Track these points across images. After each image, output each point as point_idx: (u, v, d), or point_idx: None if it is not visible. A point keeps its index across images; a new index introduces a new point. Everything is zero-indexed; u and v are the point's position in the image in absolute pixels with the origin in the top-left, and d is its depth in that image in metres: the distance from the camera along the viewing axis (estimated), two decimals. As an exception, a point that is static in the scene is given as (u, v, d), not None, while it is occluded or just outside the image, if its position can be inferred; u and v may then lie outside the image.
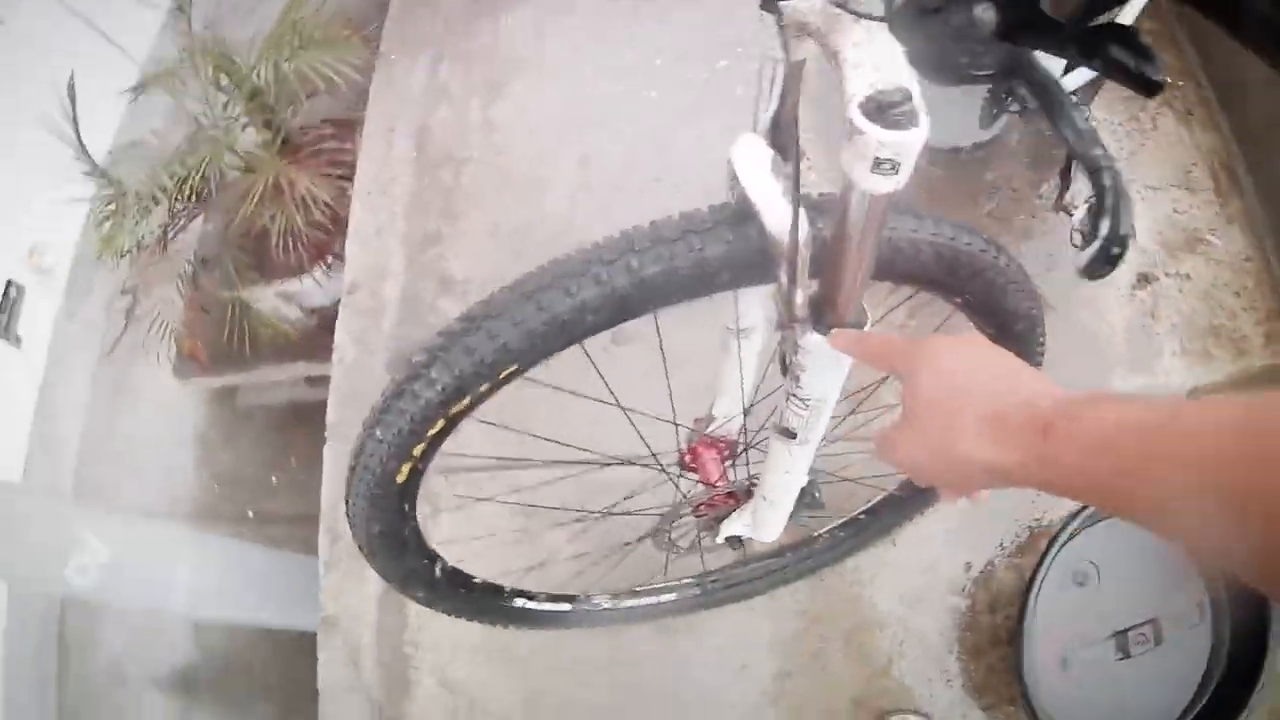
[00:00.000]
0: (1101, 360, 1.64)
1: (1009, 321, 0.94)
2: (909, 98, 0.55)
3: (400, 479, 0.87)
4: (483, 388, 0.80)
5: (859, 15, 0.58)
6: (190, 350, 2.26)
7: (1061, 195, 0.60)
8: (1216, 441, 0.40)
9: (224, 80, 1.94)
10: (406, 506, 0.93)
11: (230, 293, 2.12)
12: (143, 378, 2.26)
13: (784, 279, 0.73)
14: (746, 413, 1.09)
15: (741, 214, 0.74)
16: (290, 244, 1.96)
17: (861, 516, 1.43)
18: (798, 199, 0.68)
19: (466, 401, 0.80)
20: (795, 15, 0.63)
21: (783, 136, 0.75)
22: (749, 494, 1.13)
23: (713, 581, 1.46)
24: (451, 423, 0.83)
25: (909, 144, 0.55)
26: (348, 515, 0.94)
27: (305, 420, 1.99)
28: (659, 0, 2.02)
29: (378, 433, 0.83)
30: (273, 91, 1.92)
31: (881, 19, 0.57)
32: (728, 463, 1.14)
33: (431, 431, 0.82)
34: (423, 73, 1.95)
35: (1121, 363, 1.64)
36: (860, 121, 0.55)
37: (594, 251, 0.76)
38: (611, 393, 1.01)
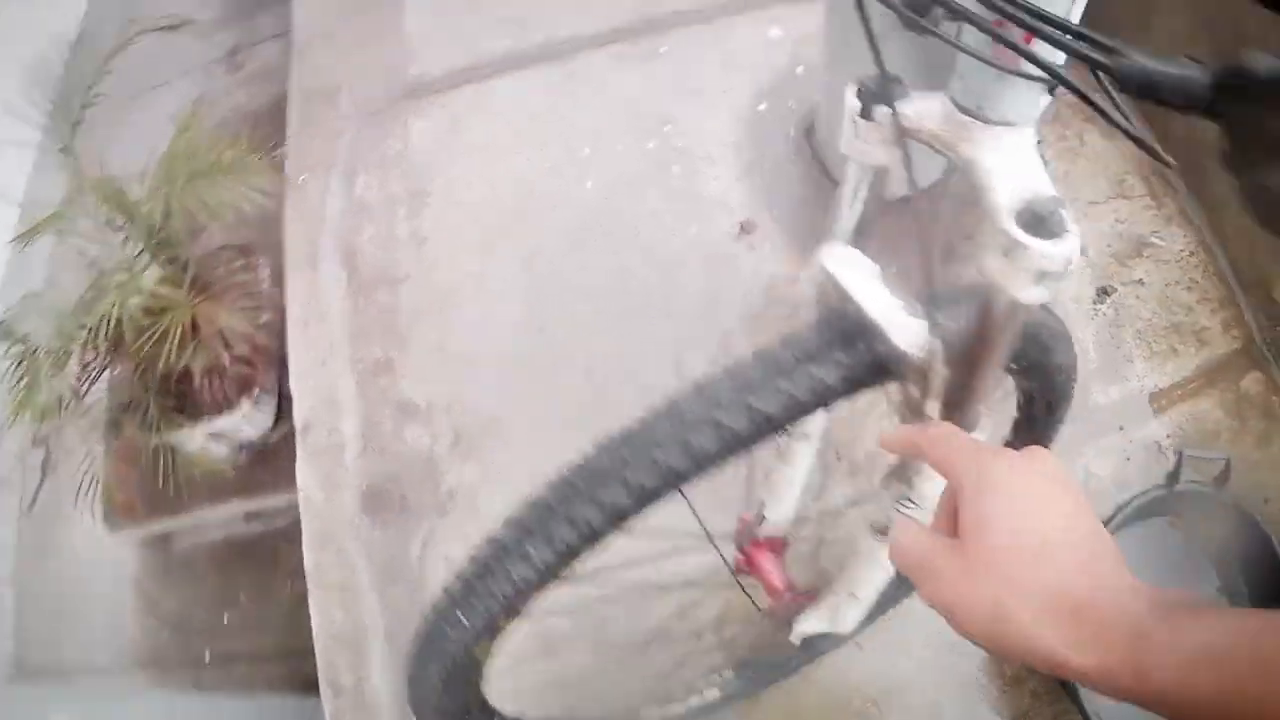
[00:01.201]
0: (1079, 377, 1.61)
1: (1052, 375, 0.92)
2: (1061, 205, 0.54)
3: (480, 654, 0.85)
4: (585, 552, 0.77)
5: (994, 123, 0.57)
6: (123, 503, 2.13)
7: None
8: None
9: (119, 218, 1.83)
10: (479, 677, 0.92)
11: (156, 437, 2.00)
12: (70, 532, 2.11)
13: (912, 391, 0.71)
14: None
15: (852, 330, 0.71)
16: (214, 381, 1.86)
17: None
18: (934, 314, 0.65)
19: (567, 569, 0.78)
20: (911, 123, 0.62)
21: (866, 242, 0.75)
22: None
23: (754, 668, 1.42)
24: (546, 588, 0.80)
25: (1069, 254, 0.53)
26: (414, 701, 0.89)
27: (250, 556, 1.91)
28: (571, 86, 1.97)
29: (461, 617, 0.79)
30: (174, 226, 1.81)
31: (1012, 124, 0.57)
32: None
33: (525, 604, 0.80)
34: (337, 191, 1.86)
35: (1097, 376, 1.65)
36: (1020, 235, 0.53)
37: (708, 398, 0.73)
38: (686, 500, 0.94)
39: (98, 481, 1.99)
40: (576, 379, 1.64)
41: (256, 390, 2.04)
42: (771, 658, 1.41)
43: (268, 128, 2.38)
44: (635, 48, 2.00)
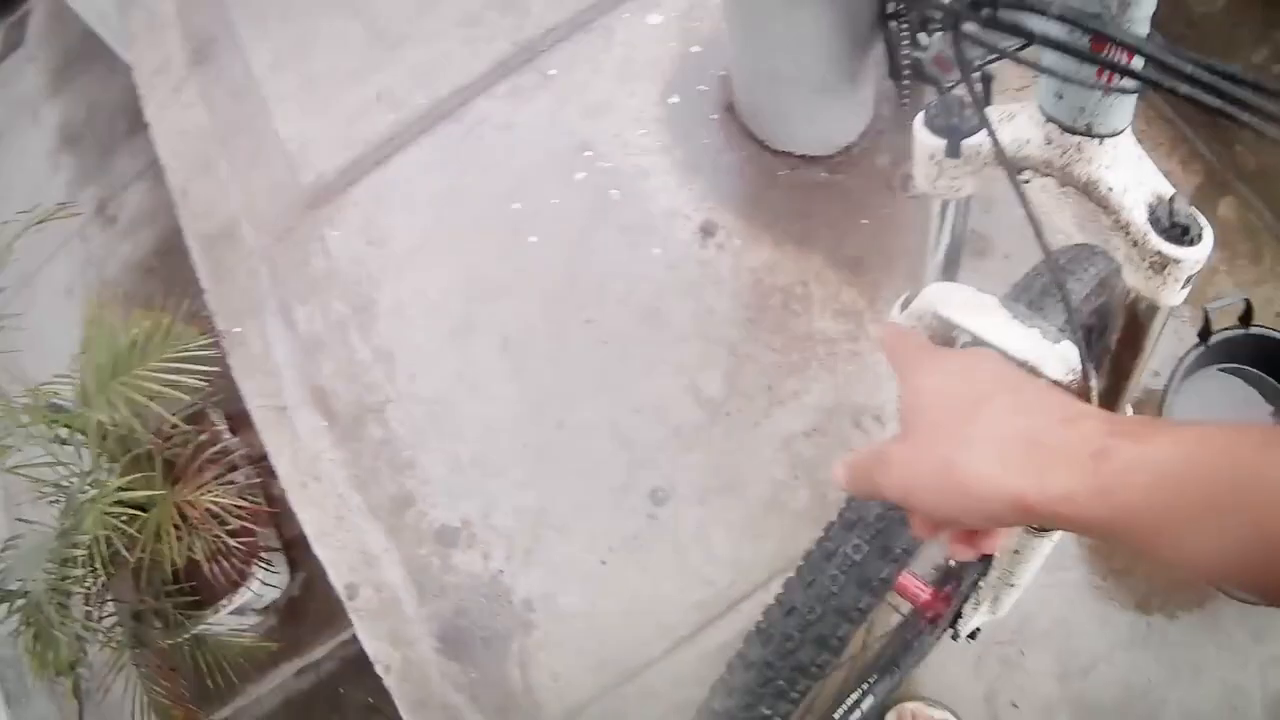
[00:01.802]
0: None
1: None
2: (1188, 203, 0.54)
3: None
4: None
5: (1104, 136, 0.54)
6: (180, 715, 2.05)
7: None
8: None
9: (63, 434, 1.72)
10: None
11: (179, 637, 1.91)
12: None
13: None
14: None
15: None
16: (220, 562, 1.77)
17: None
18: (1079, 332, 0.61)
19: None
20: (1012, 152, 0.58)
21: (958, 273, 0.73)
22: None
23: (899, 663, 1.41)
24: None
25: (1207, 255, 0.54)
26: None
27: (314, 709, 1.89)
28: (474, 141, 1.86)
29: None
30: (122, 422, 1.69)
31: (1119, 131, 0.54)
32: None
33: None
34: (279, 334, 1.73)
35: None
36: (1172, 250, 0.53)
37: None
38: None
39: (147, 704, 1.91)
40: (603, 443, 1.57)
41: (264, 554, 1.97)
42: (912, 649, 1.39)
43: (166, 271, 2.26)
44: (523, 79, 1.90)
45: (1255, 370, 1.49)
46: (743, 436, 1.58)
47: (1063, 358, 0.62)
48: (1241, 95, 0.44)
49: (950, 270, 0.73)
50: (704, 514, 1.54)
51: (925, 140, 0.60)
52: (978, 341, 0.66)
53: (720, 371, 1.61)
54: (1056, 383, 0.64)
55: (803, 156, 1.73)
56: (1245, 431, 0.36)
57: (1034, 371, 0.64)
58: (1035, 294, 0.98)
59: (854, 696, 1.37)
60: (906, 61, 1.52)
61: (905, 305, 0.76)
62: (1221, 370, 1.51)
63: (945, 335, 0.69)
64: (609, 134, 1.80)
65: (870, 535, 0.80)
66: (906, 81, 1.58)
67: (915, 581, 1.11)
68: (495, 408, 1.62)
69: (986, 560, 1.04)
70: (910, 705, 1.41)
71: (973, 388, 0.46)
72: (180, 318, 1.73)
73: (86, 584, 1.77)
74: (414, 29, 1.98)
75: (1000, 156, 0.56)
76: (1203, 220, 0.53)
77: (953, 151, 0.59)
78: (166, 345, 1.70)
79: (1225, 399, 1.50)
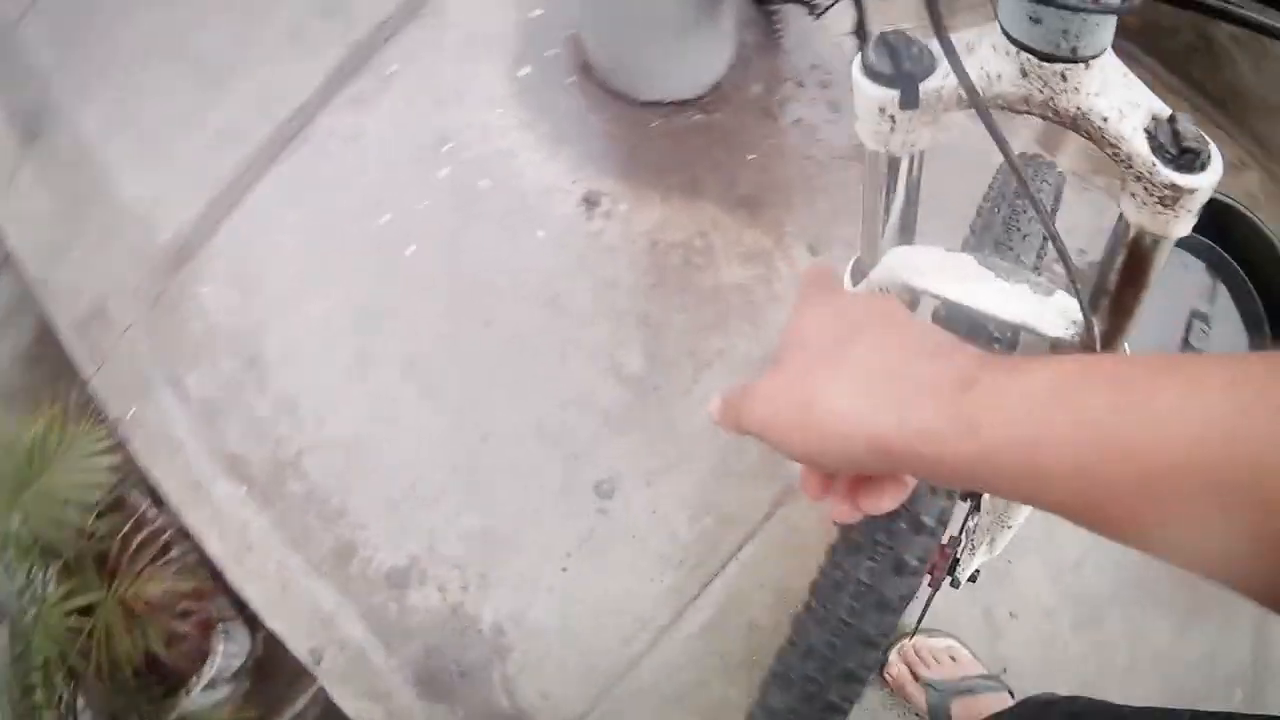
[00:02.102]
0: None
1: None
2: (1192, 122, 0.48)
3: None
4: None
5: (1089, 59, 0.47)
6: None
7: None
8: (1214, 394, 0.29)
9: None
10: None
11: (164, 728, 1.85)
12: None
13: None
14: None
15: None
16: (179, 644, 1.71)
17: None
18: (1078, 280, 0.56)
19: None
20: (984, 92, 0.50)
21: (911, 234, 0.66)
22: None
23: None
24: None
25: (1218, 180, 0.48)
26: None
27: None
28: (326, 159, 1.74)
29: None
30: (44, 532, 1.62)
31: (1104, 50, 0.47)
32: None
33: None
34: (173, 407, 1.62)
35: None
36: (1182, 179, 0.47)
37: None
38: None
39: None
40: (534, 446, 1.51)
41: (219, 624, 1.90)
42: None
43: (51, 358, 2.14)
44: (364, 83, 1.77)
45: (1202, 239, 1.42)
46: (676, 408, 1.52)
47: (1060, 310, 0.58)
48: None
49: (906, 233, 0.66)
50: (654, 496, 1.49)
51: (870, 92, 0.52)
52: (959, 308, 0.61)
53: (637, 346, 1.54)
54: (1059, 340, 0.59)
55: (672, 103, 1.65)
56: (1134, 358, 0.33)
57: (1033, 333, 0.59)
58: (999, 231, 0.91)
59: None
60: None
61: (856, 272, 0.71)
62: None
63: (916, 304, 0.65)
64: (464, 122, 1.70)
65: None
66: (774, 6, 1.50)
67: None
68: (414, 435, 1.54)
69: (976, 502, 0.99)
70: (911, 641, 1.39)
71: (847, 324, 0.42)
72: (73, 410, 1.64)
73: (55, 702, 1.71)
74: (240, 57, 1.84)
75: (974, 99, 0.48)
76: (1208, 139, 0.47)
77: (910, 101, 0.51)
78: (65, 446, 1.62)
79: (1166, 271, 1.46)
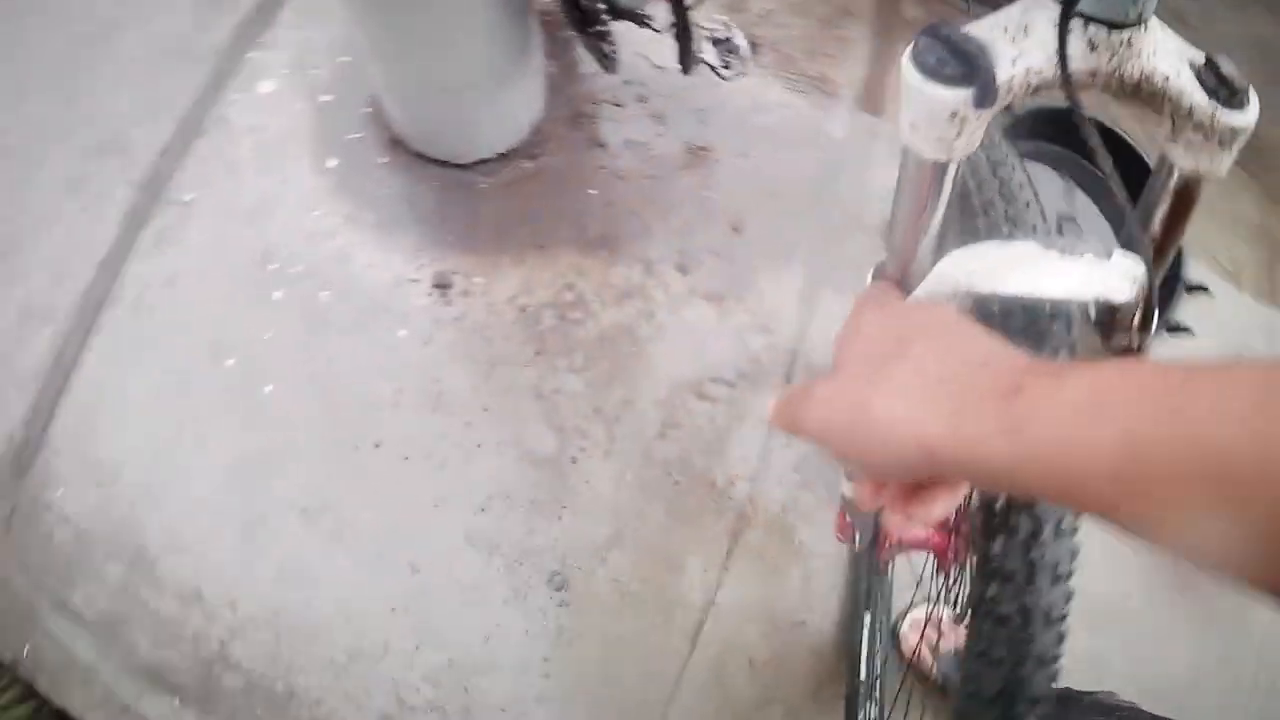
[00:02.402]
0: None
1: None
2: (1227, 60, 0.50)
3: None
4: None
5: (1147, 20, 0.49)
6: None
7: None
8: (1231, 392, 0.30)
9: None
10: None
11: None
12: None
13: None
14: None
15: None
16: None
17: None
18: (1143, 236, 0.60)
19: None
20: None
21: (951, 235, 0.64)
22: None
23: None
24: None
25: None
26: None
27: None
28: (149, 314, 1.58)
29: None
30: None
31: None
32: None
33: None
34: (69, 631, 1.46)
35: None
36: (1237, 119, 0.50)
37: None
38: None
39: None
40: (469, 559, 1.42)
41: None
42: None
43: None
44: (164, 218, 1.61)
45: (1058, 148, 1.38)
46: (602, 473, 1.45)
47: (1123, 272, 0.56)
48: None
49: (946, 233, 0.63)
50: (611, 569, 1.42)
51: (941, 96, 0.48)
52: (1034, 301, 0.62)
53: (540, 422, 1.46)
54: (1125, 304, 0.58)
55: (496, 157, 1.55)
56: (1169, 365, 0.33)
57: (1109, 304, 0.60)
58: (1009, 209, 0.84)
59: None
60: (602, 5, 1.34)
61: (879, 269, 0.69)
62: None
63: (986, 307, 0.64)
64: (284, 234, 1.56)
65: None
66: (600, 29, 1.40)
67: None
68: (337, 588, 1.43)
69: None
70: (923, 612, 1.36)
71: (905, 331, 0.44)
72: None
73: None
74: (23, 223, 1.65)
75: (1067, 85, 0.49)
76: (1244, 78, 0.50)
77: (986, 99, 0.47)
78: None
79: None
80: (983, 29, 0.60)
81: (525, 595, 1.41)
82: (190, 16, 1.74)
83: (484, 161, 1.55)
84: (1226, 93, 0.49)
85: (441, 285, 1.51)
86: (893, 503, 0.47)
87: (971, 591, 0.77)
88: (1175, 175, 0.55)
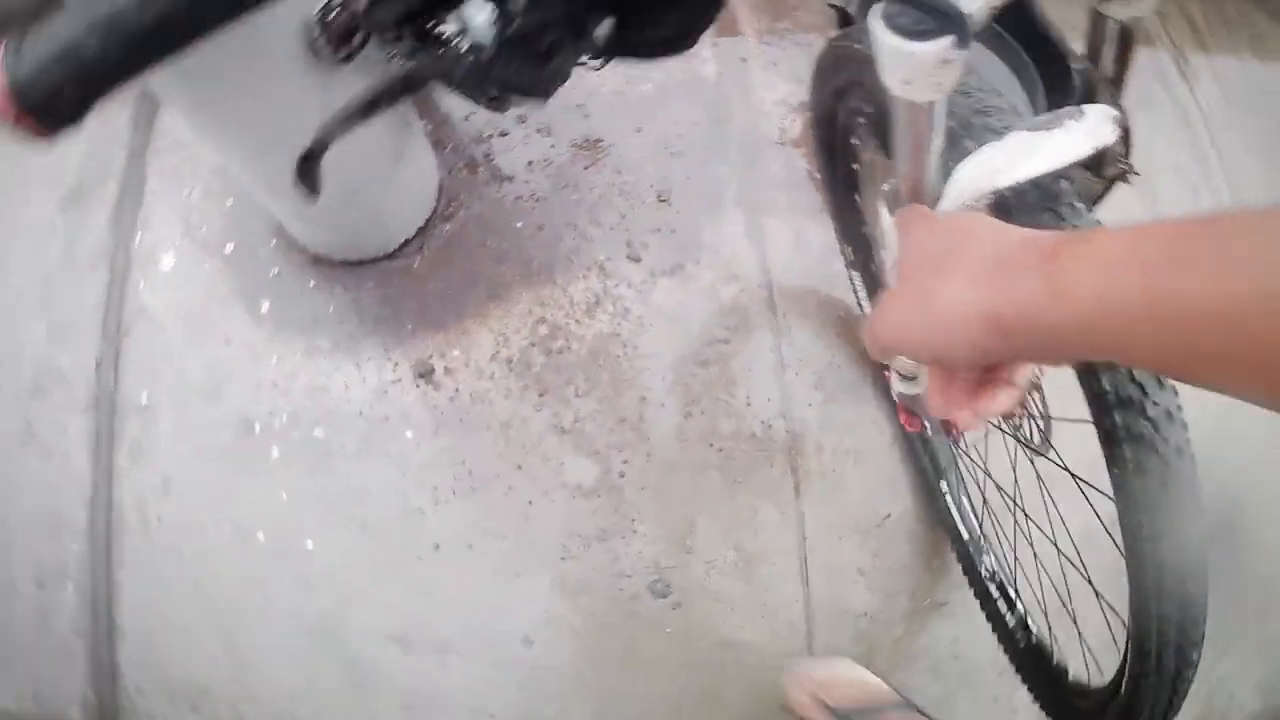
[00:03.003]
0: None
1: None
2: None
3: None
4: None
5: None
6: None
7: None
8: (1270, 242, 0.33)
9: None
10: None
11: None
12: None
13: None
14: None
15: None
16: None
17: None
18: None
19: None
20: None
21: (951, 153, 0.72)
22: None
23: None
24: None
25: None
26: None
27: None
28: (170, 543, 1.55)
29: None
30: None
31: None
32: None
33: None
34: None
35: None
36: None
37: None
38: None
39: None
40: (556, 601, 1.44)
41: None
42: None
43: None
44: (129, 432, 1.57)
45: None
46: (653, 474, 1.49)
47: (1099, 119, 0.62)
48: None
49: (949, 152, 0.68)
50: (703, 554, 1.47)
51: (927, 50, 0.52)
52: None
53: (574, 456, 1.48)
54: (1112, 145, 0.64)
55: (416, 233, 1.54)
56: (1176, 221, 0.37)
57: (1100, 150, 0.64)
58: (981, 114, 0.87)
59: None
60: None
61: (893, 199, 0.74)
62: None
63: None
64: (251, 394, 1.53)
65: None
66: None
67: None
68: (467, 695, 1.43)
69: None
70: (815, 675, 1.38)
71: (951, 235, 0.49)
72: None
73: None
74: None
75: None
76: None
77: (964, 40, 0.51)
78: None
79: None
80: None
81: (638, 613, 1.44)
82: (61, 227, 1.68)
83: (406, 243, 1.54)
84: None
85: (423, 374, 1.51)
86: (961, 400, 0.54)
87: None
88: (1111, 24, 0.61)
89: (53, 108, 0.40)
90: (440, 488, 1.48)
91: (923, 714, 1.32)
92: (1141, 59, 1.92)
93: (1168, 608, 0.79)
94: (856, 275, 1.50)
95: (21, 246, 1.71)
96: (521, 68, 0.44)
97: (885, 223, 0.78)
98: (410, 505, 1.48)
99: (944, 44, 0.50)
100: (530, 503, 1.47)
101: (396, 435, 1.50)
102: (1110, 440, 0.77)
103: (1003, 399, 0.53)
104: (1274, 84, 1.94)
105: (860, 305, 1.52)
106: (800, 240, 1.61)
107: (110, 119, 1.77)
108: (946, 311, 0.46)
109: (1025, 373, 0.54)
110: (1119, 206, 1.69)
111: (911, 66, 0.52)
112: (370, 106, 0.46)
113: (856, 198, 1.43)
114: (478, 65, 0.43)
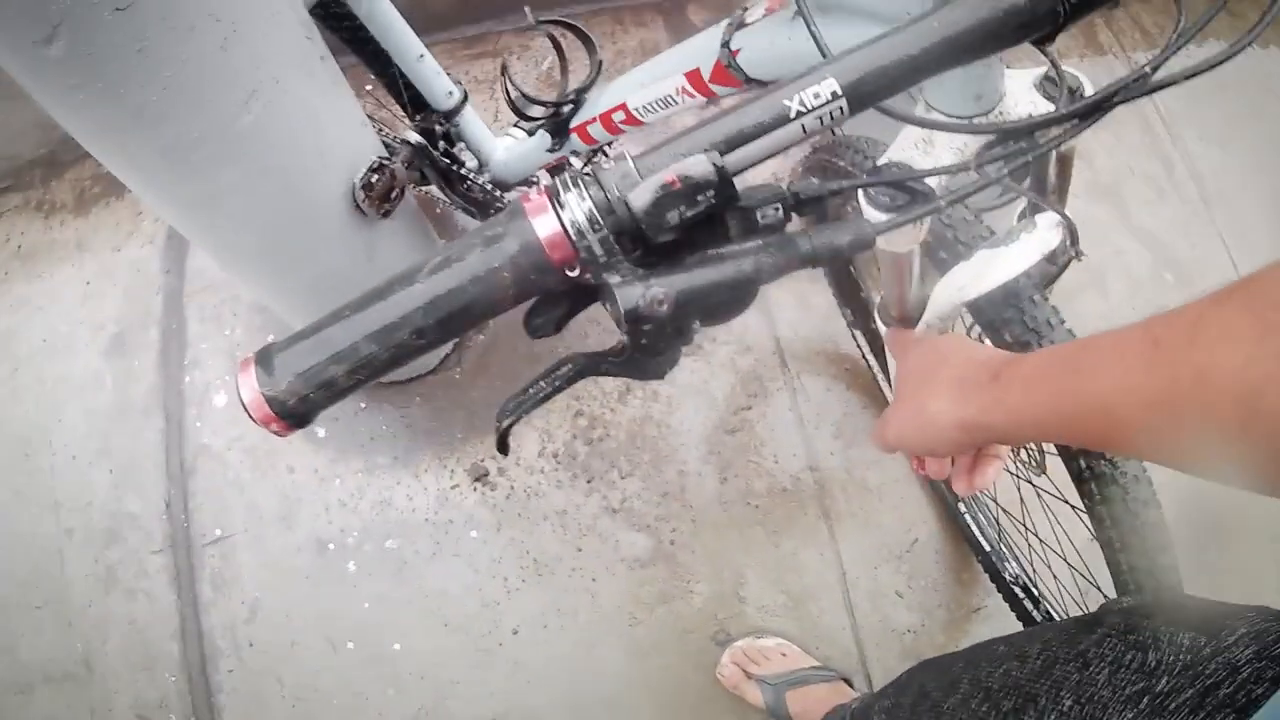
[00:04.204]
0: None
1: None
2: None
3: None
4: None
5: None
6: None
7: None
8: (1122, 358, 0.46)
9: None
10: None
11: None
12: None
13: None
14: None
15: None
16: None
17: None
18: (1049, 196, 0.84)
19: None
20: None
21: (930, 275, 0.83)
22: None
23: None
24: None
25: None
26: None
27: None
28: (271, 694, 1.66)
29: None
30: None
31: None
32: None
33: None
34: None
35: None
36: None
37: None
38: None
39: None
40: (643, 653, 1.58)
41: None
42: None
43: None
44: (209, 565, 1.68)
45: None
46: (701, 538, 1.63)
47: (1047, 227, 0.77)
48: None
49: (926, 276, 0.81)
50: (756, 601, 1.61)
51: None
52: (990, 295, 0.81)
53: (627, 532, 1.62)
54: (1058, 248, 0.78)
55: (453, 347, 1.66)
56: (1080, 341, 0.50)
57: (1053, 253, 0.79)
58: (953, 232, 1.01)
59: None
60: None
61: (884, 313, 0.87)
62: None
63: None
64: (321, 515, 1.65)
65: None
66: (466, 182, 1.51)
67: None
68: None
69: None
70: (740, 643, 1.57)
71: (930, 358, 0.65)
72: None
73: None
74: (81, 645, 1.71)
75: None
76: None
77: (933, 209, 0.61)
78: None
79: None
80: (899, 150, 0.78)
81: (705, 664, 1.58)
82: (109, 377, 1.78)
83: (445, 357, 1.66)
84: (1068, 94, 0.66)
85: (479, 477, 1.64)
86: (958, 476, 0.69)
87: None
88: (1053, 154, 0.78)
89: (298, 415, 0.49)
90: (510, 578, 1.61)
91: (847, 682, 1.51)
92: (1097, 70, 2.09)
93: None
94: (859, 333, 1.65)
95: (72, 397, 1.80)
96: (647, 364, 0.56)
97: (882, 330, 0.92)
98: (486, 597, 1.61)
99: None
100: (594, 579, 1.61)
101: (463, 536, 1.63)
102: (1078, 478, 0.93)
103: (990, 472, 0.68)
104: (1227, 75, 2.11)
105: (865, 358, 1.67)
106: (804, 304, 1.76)
107: (140, 265, 1.87)
108: (932, 420, 0.60)
109: (1005, 449, 0.71)
110: (1099, 222, 1.87)
111: (890, 236, 0.66)
112: (548, 397, 0.58)
113: (851, 269, 1.58)
114: (623, 364, 0.56)
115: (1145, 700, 0.59)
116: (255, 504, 1.68)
